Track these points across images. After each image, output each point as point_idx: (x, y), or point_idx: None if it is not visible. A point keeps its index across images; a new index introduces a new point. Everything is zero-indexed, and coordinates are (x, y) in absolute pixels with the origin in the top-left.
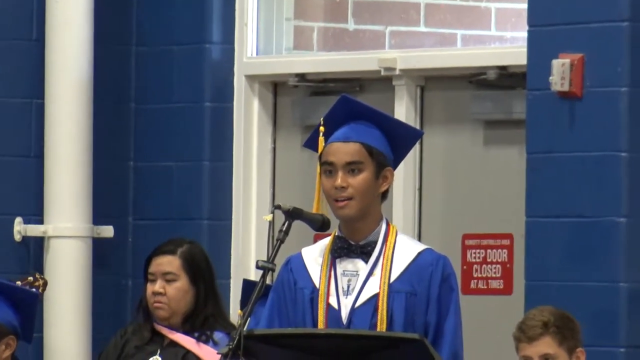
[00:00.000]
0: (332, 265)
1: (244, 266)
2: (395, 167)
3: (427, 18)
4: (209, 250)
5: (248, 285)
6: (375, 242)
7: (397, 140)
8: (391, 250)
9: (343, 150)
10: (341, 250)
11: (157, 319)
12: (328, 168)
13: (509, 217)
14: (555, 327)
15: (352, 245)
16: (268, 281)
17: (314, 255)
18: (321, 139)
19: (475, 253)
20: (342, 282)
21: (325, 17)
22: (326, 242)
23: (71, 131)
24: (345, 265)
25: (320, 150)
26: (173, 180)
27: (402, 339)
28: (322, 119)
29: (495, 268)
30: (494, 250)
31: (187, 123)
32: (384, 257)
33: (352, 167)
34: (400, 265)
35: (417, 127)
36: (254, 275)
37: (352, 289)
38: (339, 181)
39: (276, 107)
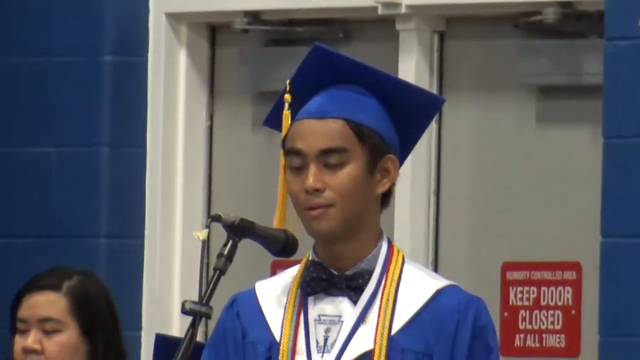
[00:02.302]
0: (302, 306)
1: (163, 310)
2: (402, 157)
3: None
4: (108, 285)
5: (165, 343)
6: (370, 273)
7: (405, 114)
8: (394, 286)
9: (317, 130)
10: (317, 283)
11: None
12: (295, 160)
13: (574, 236)
14: None
15: (334, 276)
16: (200, 335)
17: (274, 292)
18: (286, 113)
19: (522, 293)
20: (317, 333)
21: None
22: (293, 272)
23: None
24: (322, 307)
25: (285, 131)
26: (52, 177)
27: None
28: (288, 81)
29: (553, 316)
30: (552, 288)
31: (75, 87)
32: (382, 296)
33: (330, 158)
34: (407, 309)
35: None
36: (179, 324)
37: (332, 343)
38: (311, 180)
39: (214, 63)
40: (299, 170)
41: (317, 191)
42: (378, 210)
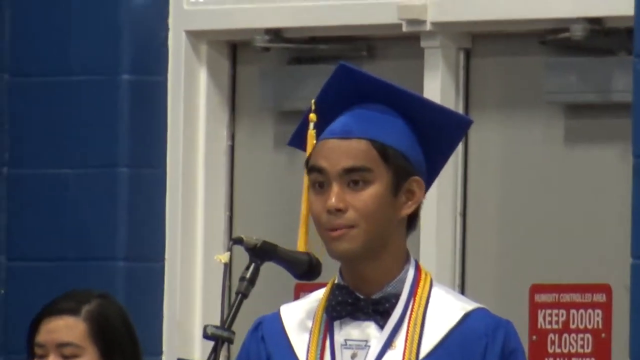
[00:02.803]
0: (328, 330)
1: (184, 335)
2: (430, 179)
3: None
4: (128, 309)
5: None
6: (397, 297)
7: (431, 135)
8: (422, 310)
9: (341, 150)
10: (342, 307)
11: None
12: (317, 178)
13: (604, 257)
14: None
15: (361, 300)
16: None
17: (299, 316)
18: (311, 132)
19: (551, 315)
20: (343, 358)
21: None
22: (319, 295)
23: None
24: (348, 332)
25: (309, 150)
26: (68, 198)
27: None
28: (313, 101)
29: (583, 339)
30: (582, 311)
31: (93, 107)
32: (410, 320)
33: (354, 178)
34: (435, 333)
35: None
36: (201, 349)
37: None
38: (333, 200)
39: (235, 81)
40: (322, 190)
41: (339, 211)
42: (404, 233)
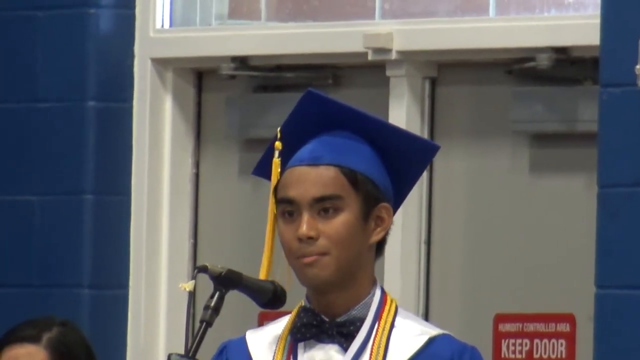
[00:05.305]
0: (292, 352)
1: None
2: (396, 204)
3: None
4: (92, 336)
5: None
6: (362, 320)
7: (398, 161)
8: (386, 334)
9: (310, 178)
10: (307, 329)
11: None
12: (287, 208)
13: (568, 287)
14: None
15: (325, 322)
16: None
17: (265, 340)
18: (276, 161)
19: (515, 345)
20: None
21: None
22: (285, 321)
23: None
24: (312, 354)
25: (274, 179)
26: (34, 225)
27: None
28: (278, 129)
29: None
30: (546, 341)
31: (59, 134)
32: (374, 344)
33: (324, 206)
34: (399, 357)
35: None
36: None
37: None
38: (304, 228)
39: (201, 109)
40: (291, 218)
41: (310, 239)
42: (372, 259)
